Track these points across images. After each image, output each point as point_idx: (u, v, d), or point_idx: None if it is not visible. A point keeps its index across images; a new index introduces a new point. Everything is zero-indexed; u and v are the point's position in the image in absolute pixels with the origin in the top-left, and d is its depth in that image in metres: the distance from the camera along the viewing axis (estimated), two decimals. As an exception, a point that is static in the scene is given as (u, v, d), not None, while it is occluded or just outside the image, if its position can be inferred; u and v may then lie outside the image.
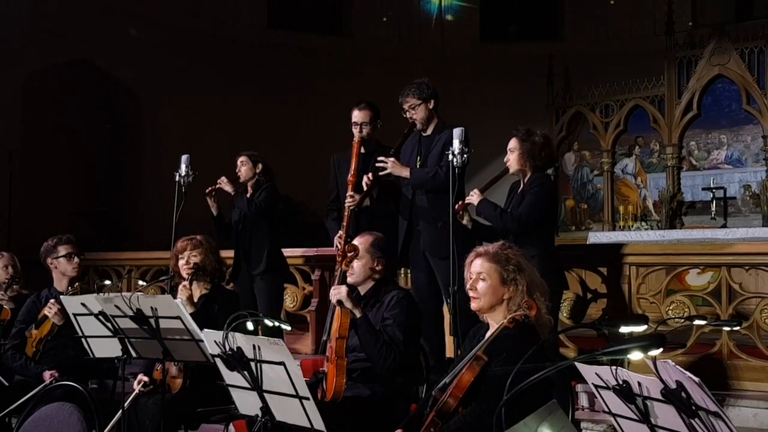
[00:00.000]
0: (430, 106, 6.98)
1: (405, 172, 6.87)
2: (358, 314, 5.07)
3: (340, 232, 7.17)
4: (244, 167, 8.00)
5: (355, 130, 7.32)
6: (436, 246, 6.61)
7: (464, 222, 6.47)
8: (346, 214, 7.18)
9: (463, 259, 4.73)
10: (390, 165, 6.84)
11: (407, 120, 7.03)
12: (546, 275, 6.15)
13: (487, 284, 4.37)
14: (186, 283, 6.11)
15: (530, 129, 6.68)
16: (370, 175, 6.90)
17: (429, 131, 6.99)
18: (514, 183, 6.74)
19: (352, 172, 7.20)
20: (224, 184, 7.93)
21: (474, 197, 6.49)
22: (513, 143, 6.55)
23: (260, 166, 8.04)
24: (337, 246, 7.29)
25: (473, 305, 4.46)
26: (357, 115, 7.36)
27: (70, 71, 15.31)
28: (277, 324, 5.49)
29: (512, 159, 6.54)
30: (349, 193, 7.18)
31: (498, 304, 4.37)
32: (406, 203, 7.11)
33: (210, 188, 7.87)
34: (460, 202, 6.43)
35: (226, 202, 8.13)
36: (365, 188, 6.91)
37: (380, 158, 6.87)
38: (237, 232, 8.00)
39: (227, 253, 7.87)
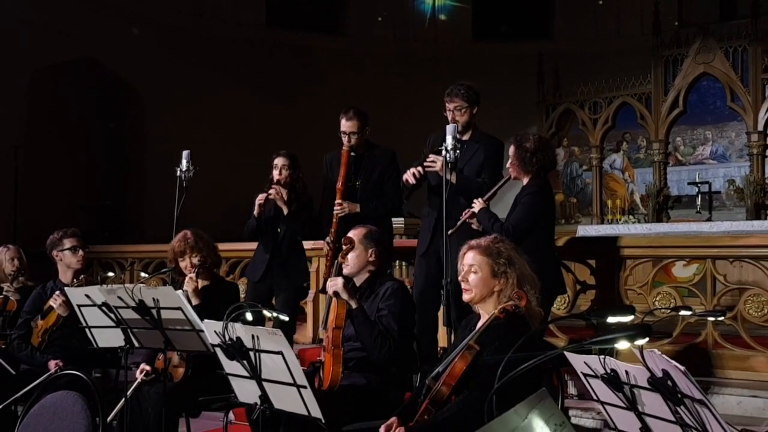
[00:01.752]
0: (474, 111, 6.89)
1: (452, 177, 6.77)
2: (354, 305, 5.08)
3: (328, 238, 7.17)
4: (285, 172, 7.48)
5: (344, 139, 7.27)
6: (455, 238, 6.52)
7: (474, 227, 6.46)
8: (334, 221, 7.15)
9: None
10: (439, 166, 6.58)
11: (448, 119, 6.84)
12: (541, 280, 6.21)
13: (478, 276, 4.38)
14: (192, 275, 6.11)
15: (525, 134, 6.61)
16: (419, 168, 6.72)
17: (466, 137, 6.90)
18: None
19: (340, 181, 7.17)
20: (280, 201, 7.41)
21: (477, 206, 6.49)
22: (510, 149, 6.53)
23: (299, 171, 7.61)
24: (325, 250, 7.28)
25: (465, 296, 4.47)
26: (345, 125, 7.25)
27: (74, 69, 15.27)
28: (276, 315, 5.48)
29: (509, 166, 6.54)
30: (338, 200, 7.14)
31: (489, 296, 4.38)
32: (433, 203, 7.04)
33: (265, 197, 7.40)
34: (467, 211, 6.45)
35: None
36: (413, 180, 6.75)
37: (431, 156, 6.64)
38: (276, 241, 7.60)
39: (229, 246, 7.85)
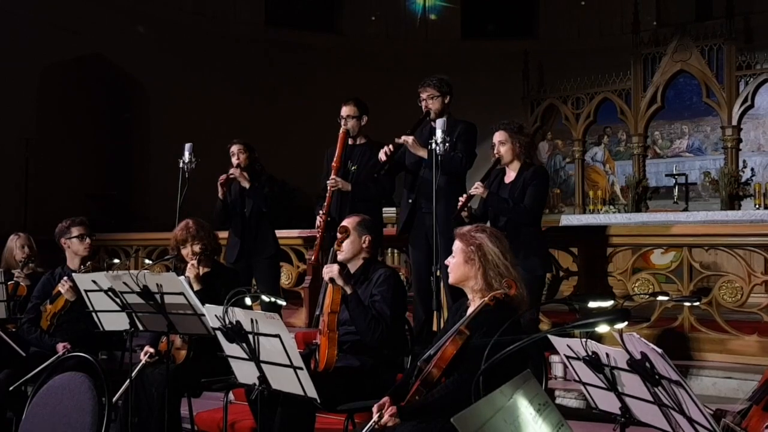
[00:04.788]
0: (446, 101, 7.05)
1: (422, 152, 6.88)
2: (348, 291, 5.08)
3: (321, 211, 7.23)
4: (242, 155, 7.79)
5: (341, 123, 7.38)
6: (444, 225, 6.52)
7: (464, 215, 6.43)
8: (327, 194, 7.22)
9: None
10: (410, 142, 6.86)
11: (421, 108, 7.07)
12: (545, 260, 6.22)
13: (455, 261, 4.42)
14: (194, 262, 6.10)
15: (519, 124, 6.72)
16: (390, 146, 6.90)
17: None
18: (494, 173, 6.72)
19: (336, 159, 7.26)
20: (241, 178, 7.73)
21: (480, 189, 6.47)
22: (503, 136, 6.50)
23: (255, 153, 7.93)
24: (318, 222, 7.33)
25: (449, 278, 4.50)
26: (343, 110, 7.43)
27: (82, 65, 15.26)
28: (273, 299, 5.47)
29: (505, 150, 6.51)
30: (332, 176, 7.22)
31: (465, 280, 4.39)
32: (410, 184, 7.12)
33: (225, 177, 7.71)
34: (465, 195, 6.42)
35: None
36: (384, 157, 6.88)
37: (403, 136, 6.89)
38: (244, 220, 7.85)
39: (225, 233, 7.87)
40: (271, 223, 7.98)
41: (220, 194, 7.72)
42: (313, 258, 7.84)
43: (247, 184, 7.71)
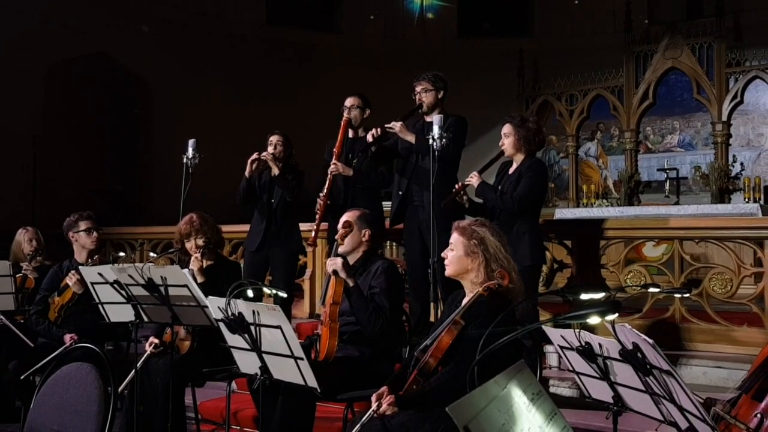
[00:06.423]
0: (440, 96, 7.09)
1: (410, 137, 6.90)
2: (351, 283, 5.09)
3: (322, 194, 7.23)
4: (280, 147, 7.65)
5: (344, 112, 7.43)
6: (439, 218, 6.53)
7: (463, 201, 6.47)
8: (328, 178, 7.23)
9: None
10: (398, 128, 6.89)
11: (415, 101, 7.11)
12: (535, 250, 6.19)
13: (454, 254, 4.43)
14: (198, 255, 6.10)
15: (522, 116, 6.71)
16: (379, 129, 6.93)
17: (431, 118, 6.99)
18: (503, 164, 6.73)
19: (337, 145, 7.29)
20: (272, 163, 7.56)
21: (474, 179, 6.49)
22: (508, 128, 6.51)
23: (292, 149, 7.79)
24: (318, 204, 7.32)
25: (446, 271, 4.50)
26: (348, 100, 7.50)
27: (88, 63, 15.23)
28: (274, 292, 5.47)
29: (508, 143, 6.51)
30: (333, 161, 7.24)
31: (464, 273, 4.40)
32: (401, 169, 7.13)
33: (257, 157, 7.55)
34: (459, 184, 6.44)
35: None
36: (371, 138, 6.93)
37: (392, 122, 6.91)
38: (270, 209, 7.73)
39: (231, 227, 7.86)
40: (296, 218, 7.92)
41: (246, 172, 7.60)
42: (310, 239, 7.79)
43: (276, 171, 7.55)
